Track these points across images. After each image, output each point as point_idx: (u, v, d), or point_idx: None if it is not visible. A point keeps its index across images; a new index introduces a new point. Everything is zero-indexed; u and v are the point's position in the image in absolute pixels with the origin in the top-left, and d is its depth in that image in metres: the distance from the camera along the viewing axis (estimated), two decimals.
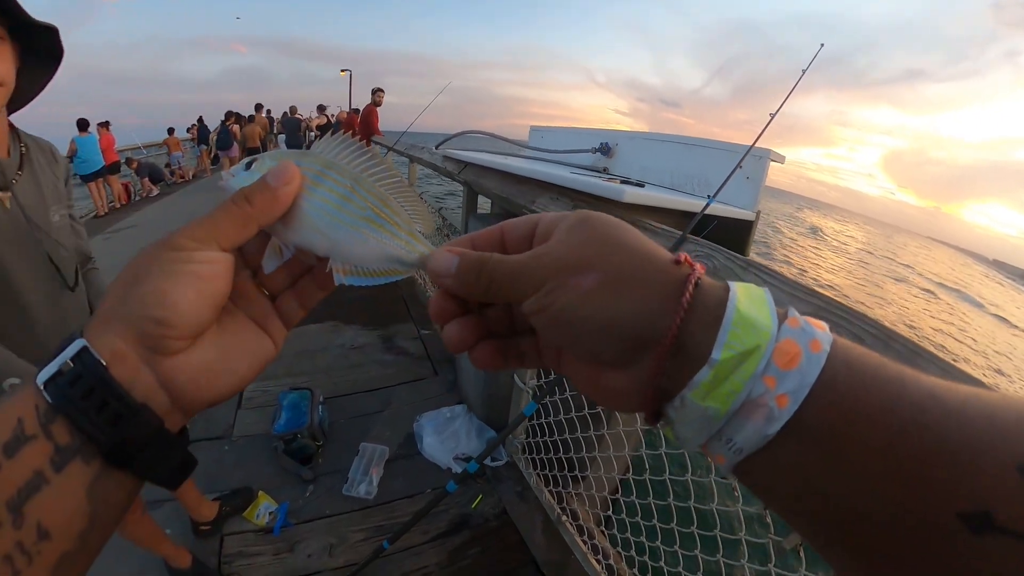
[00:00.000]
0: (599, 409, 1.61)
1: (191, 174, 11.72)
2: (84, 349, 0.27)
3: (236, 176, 0.35)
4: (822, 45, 1.85)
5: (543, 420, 1.95)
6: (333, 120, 10.91)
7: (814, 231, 44.45)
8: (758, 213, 2.02)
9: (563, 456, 1.89)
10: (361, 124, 7.52)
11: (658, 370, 0.25)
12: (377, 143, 6.68)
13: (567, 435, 1.79)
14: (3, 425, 0.26)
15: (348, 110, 11.13)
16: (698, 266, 0.27)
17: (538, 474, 2.07)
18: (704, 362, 0.24)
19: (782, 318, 0.24)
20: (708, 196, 1.42)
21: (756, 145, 1.74)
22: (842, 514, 0.22)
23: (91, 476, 0.27)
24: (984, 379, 0.47)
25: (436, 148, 3.27)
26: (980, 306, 29.51)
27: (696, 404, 0.24)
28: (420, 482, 2.15)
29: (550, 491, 2.01)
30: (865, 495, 0.21)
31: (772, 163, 2.21)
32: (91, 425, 0.26)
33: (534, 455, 2.09)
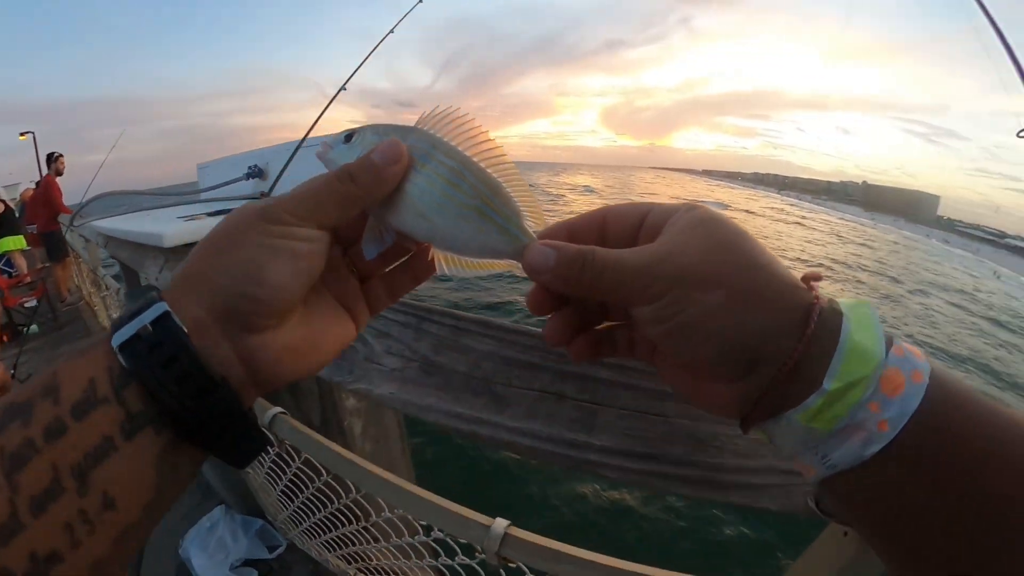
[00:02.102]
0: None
1: None
2: (166, 314, 0.26)
3: (335, 148, 0.34)
4: (420, 1, 1.87)
5: (289, 476, 1.57)
6: (15, 204, 7.92)
7: (588, 190, 49.82)
8: None
9: (333, 509, 1.54)
10: (40, 201, 5.89)
11: (772, 392, 0.26)
12: (64, 224, 5.29)
13: (319, 482, 1.44)
14: (74, 384, 0.24)
15: (35, 184, 8.32)
16: (820, 292, 0.27)
17: (320, 543, 1.70)
18: (814, 386, 0.25)
19: (888, 343, 0.25)
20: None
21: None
22: (935, 532, 0.23)
23: (161, 447, 0.25)
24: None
25: (72, 224, 2.64)
26: (726, 207, 36.54)
27: (800, 424, 0.26)
28: None
29: (338, 556, 1.66)
30: (959, 511, 0.23)
31: None
32: (169, 396, 0.25)
33: (306, 524, 1.71)
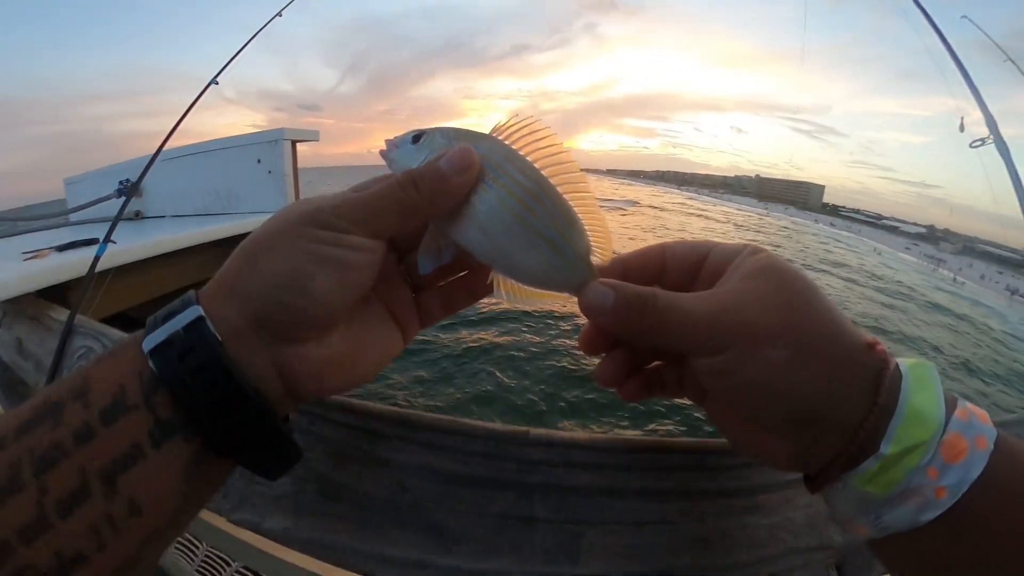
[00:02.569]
0: None
1: None
2: (200, 319, 0.25)
3: (401, 148, 0.31)
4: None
5: (200, 559, 1.37)
6: None
7: None
8: None
9: None
10: None
11: (834, 462, 0.25)
12: None
13: (234, 567, 1.25)
14: (104, 388, 0.23)
15: None
16: (889, 357, 0.26)
17: None
18: (871, 449, 0.24)
19: (950, 405, 0.24)
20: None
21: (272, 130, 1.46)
22: None
23: (190, 455, 0.24)
24: None
25: None
26: (636, 203, 37.92)
27: (857, 488, 0.24)
28: None
29: None
30: (1015, 572, 0.22)
31: (303, 143, 1.96)
32: (197, 406, 0.24)
33: None
